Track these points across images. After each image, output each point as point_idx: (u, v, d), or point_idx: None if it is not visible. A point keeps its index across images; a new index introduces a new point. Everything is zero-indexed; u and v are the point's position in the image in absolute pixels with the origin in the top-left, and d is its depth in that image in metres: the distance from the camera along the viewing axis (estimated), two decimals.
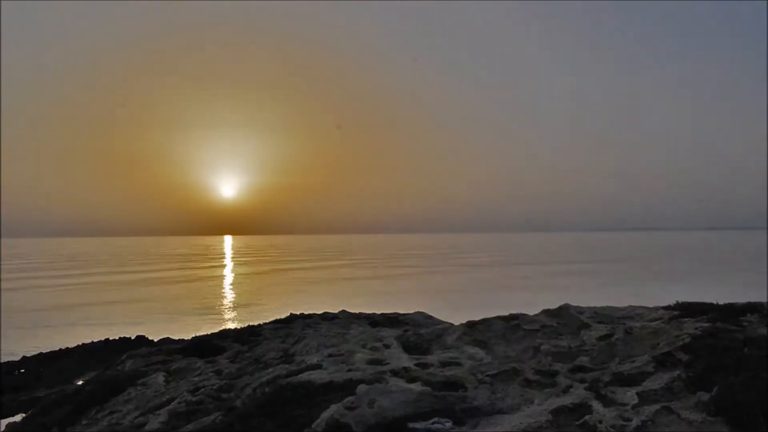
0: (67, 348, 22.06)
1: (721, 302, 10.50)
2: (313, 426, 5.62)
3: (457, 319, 12.65)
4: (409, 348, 9.94)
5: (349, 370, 7.83)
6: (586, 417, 5.51)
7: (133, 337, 24.03)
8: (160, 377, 9.74)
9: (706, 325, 8.43)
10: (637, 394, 6.23)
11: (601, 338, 9.03)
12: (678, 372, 6.73)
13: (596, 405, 5.89)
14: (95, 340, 23.26)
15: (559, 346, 8.80)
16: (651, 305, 12.02)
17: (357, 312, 15.75)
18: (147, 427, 7.04)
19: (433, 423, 5.87)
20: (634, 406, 5.88)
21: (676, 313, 10.07)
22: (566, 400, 6.06)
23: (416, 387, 6.57)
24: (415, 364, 8.09)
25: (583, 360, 7.75)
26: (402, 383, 6.83)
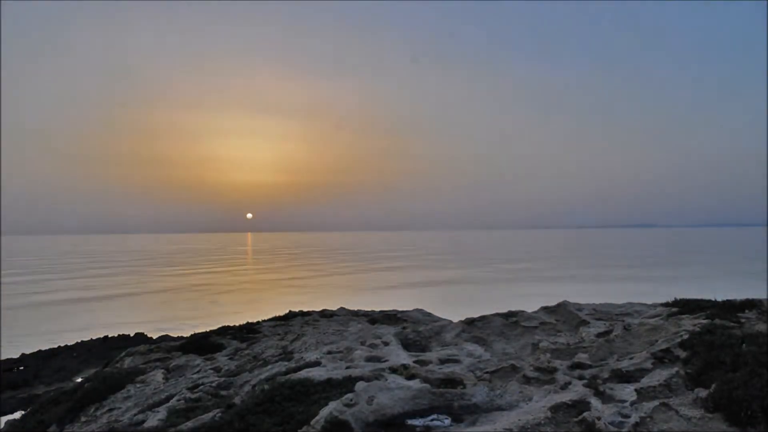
0: (66, 345, 22.11)
1: (719, 298, 10.52)
2: (311, 423, 5.62)
3: (456, 316, 12.66)
4: (407, 345, 9.95)
5: (348, 368, 7.84)
6: (585, 413, 5.52)
7: (132, 335, 24.11)
8: (159, 374, 9.75)
9: (705, 321, 8.45)
10: (636, 390, 6.25)
11: (599, 335, 9.04)
12: (676, 368, 6.75)
13: (595, 401, 5.90)
14: (94, 338, 23.32)
15: (558, 343, 8.81)
16: (649, 302, 12.05)
17: (356, 309, 15.76)
18: (146, 425, 7.04)
19: (431, 420, 5.89)
20: (632, 403, 5.90)
21: (674, 309, 10.09)
22: (565, 397, 6.07)
23: (415, 384, 6.58)
24: (414, 361, 8.10)
25: (582, 357, 7.76)
26: (401, 380, 6.83)
